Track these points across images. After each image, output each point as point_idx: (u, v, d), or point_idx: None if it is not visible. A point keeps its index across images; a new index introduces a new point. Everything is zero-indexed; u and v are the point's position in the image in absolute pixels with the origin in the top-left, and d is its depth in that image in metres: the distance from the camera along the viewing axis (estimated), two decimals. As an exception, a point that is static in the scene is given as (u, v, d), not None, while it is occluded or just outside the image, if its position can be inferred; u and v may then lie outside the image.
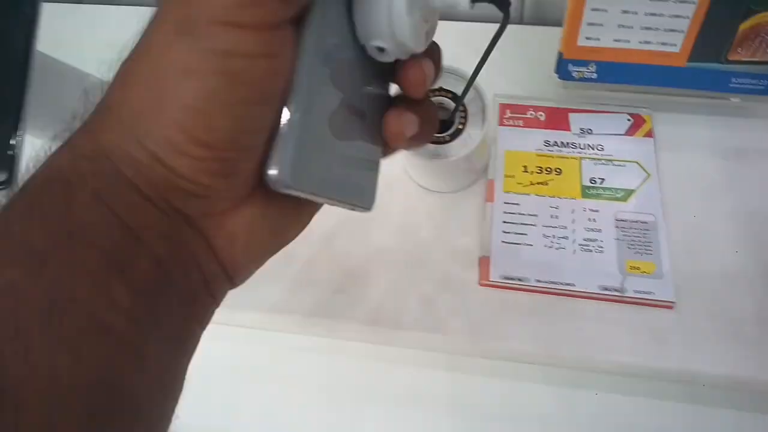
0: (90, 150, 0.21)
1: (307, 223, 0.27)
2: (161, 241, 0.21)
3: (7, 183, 0.41)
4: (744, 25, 0.47)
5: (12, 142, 0.39)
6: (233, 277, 0.25)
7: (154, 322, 0.21)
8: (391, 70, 0.27)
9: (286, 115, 0.22)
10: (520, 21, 0.63)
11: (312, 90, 0.23)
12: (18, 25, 0.41)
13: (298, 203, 0.24)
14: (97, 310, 0.19)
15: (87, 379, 0.19)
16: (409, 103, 0.27)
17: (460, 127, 0.45)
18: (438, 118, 0.29)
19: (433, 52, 0.27)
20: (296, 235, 0.27)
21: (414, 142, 0.28)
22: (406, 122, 0.27)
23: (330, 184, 0.25)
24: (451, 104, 0.46)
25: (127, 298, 0.20)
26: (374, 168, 0.28)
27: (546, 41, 0.54)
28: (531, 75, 0.56)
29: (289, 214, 0.25)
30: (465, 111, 0.46)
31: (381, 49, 0.25)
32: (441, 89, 0.46)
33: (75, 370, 0.19)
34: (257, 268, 0.26)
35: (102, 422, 0.19)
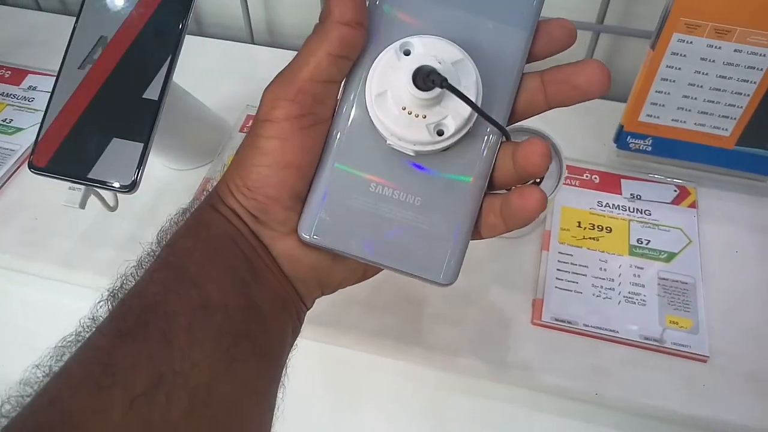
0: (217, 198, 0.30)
1: (359, 276, 0.33)
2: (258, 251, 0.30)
3: (132, 186, 0.47)
4: (790, 119, 0.53)
5: (142, 152, 0.46)
6: (300, 292, 0.32)
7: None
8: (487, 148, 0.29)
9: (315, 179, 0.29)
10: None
11: (333, 169, 0.29)
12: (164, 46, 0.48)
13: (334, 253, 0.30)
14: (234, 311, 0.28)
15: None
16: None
17: (538, 180, 0.51)
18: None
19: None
20: (345, 279, 0.33)
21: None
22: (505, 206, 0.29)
23: (366, 249, 0.29)
24: None
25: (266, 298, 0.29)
26: (447, 241, 0.29)
27: (606, 114, 0.60)
28: (589, 141, 0.62)
29: (328, 258, 0.31)
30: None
31: (395, 146, 0.28)
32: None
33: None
34: (314, 291, 0.32)
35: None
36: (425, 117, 0.27)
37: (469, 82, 0.27)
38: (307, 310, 0.33)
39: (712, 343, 0.49)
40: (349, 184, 0.29)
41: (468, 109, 0.27)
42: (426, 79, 0.26)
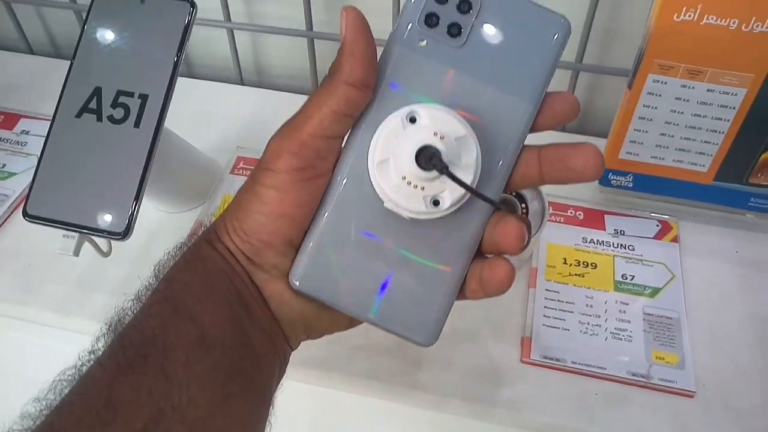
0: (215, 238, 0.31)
1: (346, 324, 0.34)
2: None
3: (125, 234, 0.48)
4: (765, 155, 0.55)
5: (135, 199, 0.47)
6: (286, 334, 0.32)
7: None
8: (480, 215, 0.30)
9: (306, 235, 0.30)
10: (563, 129, 0.71)
11: (329, 223, 0.30)
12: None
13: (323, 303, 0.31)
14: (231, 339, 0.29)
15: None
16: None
17: (525, 213, 0.52)
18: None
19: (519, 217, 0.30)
20: (331, 326, 0.34)
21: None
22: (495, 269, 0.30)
23: (352, 302, 0.30)
24: (515, 201, 0.52)
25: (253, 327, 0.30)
26: (432, 304, 0.30)
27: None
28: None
29: (316, 306, 0.32)
30: (527, 208, 0.53)
31: (392, 209, 0.29)
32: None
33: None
34: (300, 334, 0.33)
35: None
36: (423, 188, 0.28)
37: (470, 159, 0.28)
38: (292, 351, 0.34)
39: (698, 378, 0.50)
40: (342, 238, 0.30)
41: (435, 175, 0.28)
42: (428, 161, 0.27)
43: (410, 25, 0.30)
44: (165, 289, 0.30)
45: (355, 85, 0.28)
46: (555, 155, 0.30)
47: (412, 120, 0.28)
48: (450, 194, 0.28)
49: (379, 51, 0.30)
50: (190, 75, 0.83)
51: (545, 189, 0.61)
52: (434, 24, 0.29)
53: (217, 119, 0.73)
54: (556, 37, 0.30)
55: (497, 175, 0.30)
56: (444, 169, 0.27)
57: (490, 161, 0.29)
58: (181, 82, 0.50)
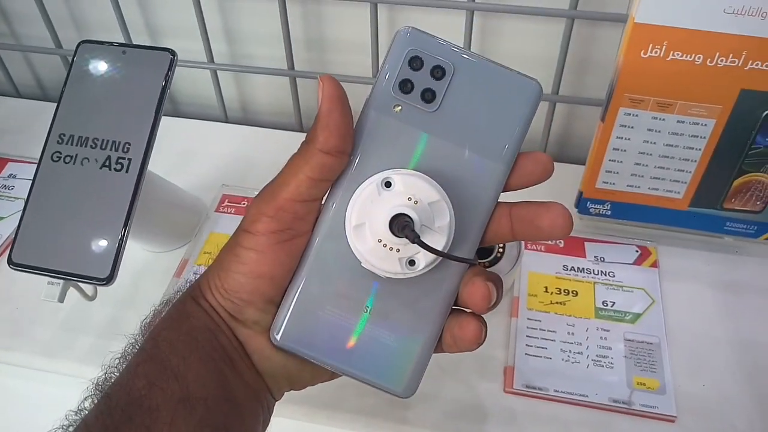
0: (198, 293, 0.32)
1: (328, 376, 0.35)
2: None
3: (109, 279, 0.49)
4: (737, 182, 0.56)
5: (118, 246, 0.48)
6: (270, 387, 0.33)
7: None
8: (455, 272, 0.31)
9: (285, 294, 0.31)
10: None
11: (308, 283, 0.31)
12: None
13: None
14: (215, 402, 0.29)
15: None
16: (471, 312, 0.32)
17: (499, 255, 0.53)
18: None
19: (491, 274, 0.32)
20: (313, 378, 0.35)
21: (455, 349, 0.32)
22: (469, 327, 0.31)
23: (332, 356, 0.31)
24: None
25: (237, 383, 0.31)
26: (410, 357, 0.31)
27: (567, 177, 0.63)
28: (552, 205, 0.65)
29: (298, 360, 0.33)
30: (503, 248, 0.54)
31: (369, 269, 0.30)
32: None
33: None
34: (283, 387, 0.34)
35: None
36: (399, 250, 0.29)
37: (443, 222, 0.29)
38: (276, 402, 0.35)
39: (679, 403, 0.50)
40: (321, 295, 0.31)
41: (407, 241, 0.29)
42: (401, 230, 0.28)
43: (385, 91, 0.31)
44: (151, 348, 0.31)
45: (330, 153, 0.30)
46: (525, 214, 0.31)
47: (388, 184, 0.29)
48: (424, 255, 0.29)
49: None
50: (176, 113, 0.84)
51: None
52: (408, 90, 0.30)
53: (203, 157, 0.74)
54: (527, 99, 0.31)
55: (471, 235, 0.31)
56: (416, 239, 0.28)
57: (464, 222, 0.30)
58: (166, 121, 0.51)
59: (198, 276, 0.34)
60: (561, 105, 0.71)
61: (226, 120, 0.81)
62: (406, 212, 0.28)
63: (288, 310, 0.31)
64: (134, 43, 0.75)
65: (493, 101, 0.31)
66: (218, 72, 0.77)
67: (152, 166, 0.51)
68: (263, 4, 0.70)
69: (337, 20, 0.72)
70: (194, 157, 0.74)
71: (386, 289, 0.31)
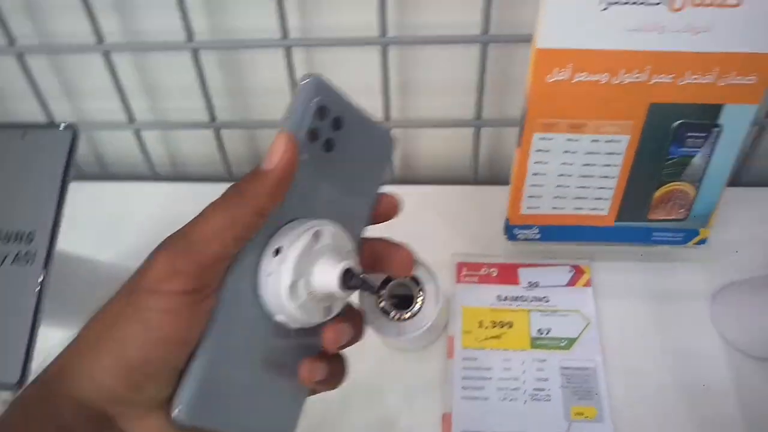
0: (56, 376, 0.28)
1: None
2: None
3: (20, 384, 0.47)
4: (658, 193, 0.56)
5: (27, 348, 0.46)
6: None
7: None
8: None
9: (192, 361, 0.28)
10: (475, 182, 0.72)
11: (218, 345, 0.29)
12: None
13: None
14: None
15: None
16: (324, 355, 0.33)
17: (420, 305, 0.52)
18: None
19: (353, 316, 0.34)
20: None
21: (321, 387, 0.33)
22: (314, 369, 0.32)
23: (235, 425, 0.30)
24: (412, 284, 0.52)
25: None
26: (296, 408, 0.33)
27: (498, 199, 0.61)
28: (484, 231, 0.64)
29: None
30: (423, 290, 0.53)
31: (283, 322, 0.30)
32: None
33: None
34: None
35: None
36: (322, 300, 0.31)
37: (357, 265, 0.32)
38: None
39: (618, 428, 0.50)
40: (229, 357, 0.29)
41: (352, 293, 0.31)
42: (351, 282, 0.30)
43: (298, 139, 0.30)
44: None
45: (263, 215, 0.29)
46: (378, 251, 0.34)
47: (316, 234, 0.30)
48: (340, 302, 0.32)
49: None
50: (105, 176, 0.82)
51: (457, 246, 0.62)
52: (315, 139, 0.31)
53: (133, 221, 0.72)
54: (386, 146, 0.35)
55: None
56: (363, 285, 0.30)
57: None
58: (93, 187, 0.51)
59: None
60: (486, 129, 0.70)
61: (156, 177, 0.79)
62: (351, 266, 0.30)
63: (199, 379, 0.28)
64: (49, 107, 0.73)
65: (365, 148, 0.34)
66: (141, 130, 0.75)
67: (77, 242, 0.49)
68: (178, 58, 0.69)
69: (252, 66, 0.71)
70: (123, 222, 0.72)
71: (283, 342, 0.31)
